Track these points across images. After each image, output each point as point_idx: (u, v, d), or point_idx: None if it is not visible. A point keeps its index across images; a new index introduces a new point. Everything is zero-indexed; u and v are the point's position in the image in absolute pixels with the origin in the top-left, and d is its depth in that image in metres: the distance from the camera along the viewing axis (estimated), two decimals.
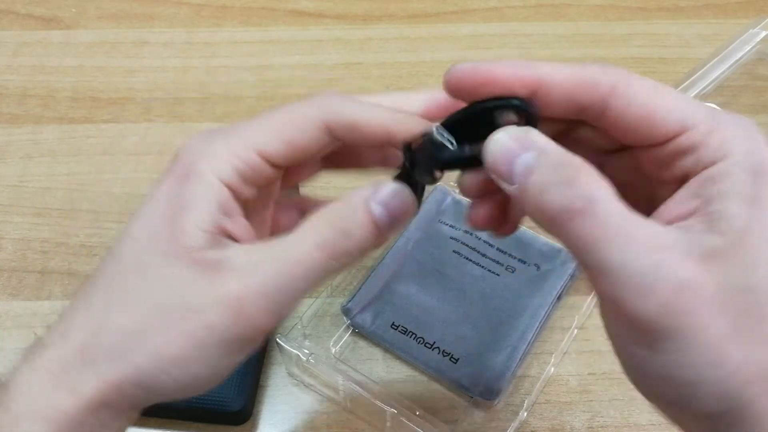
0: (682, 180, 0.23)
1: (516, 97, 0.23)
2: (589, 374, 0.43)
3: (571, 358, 0.44)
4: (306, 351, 0.40)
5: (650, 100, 0.23)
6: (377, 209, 0.25)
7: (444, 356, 0.42)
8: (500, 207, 0.27)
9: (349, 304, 0.44)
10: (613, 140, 0.25)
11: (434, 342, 0.42)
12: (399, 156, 0.26)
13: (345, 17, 0.66)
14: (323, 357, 0.42)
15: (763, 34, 0.57)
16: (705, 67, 0.54)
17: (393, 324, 0.43)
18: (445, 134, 0.24)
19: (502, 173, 0.23)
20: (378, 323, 0.43)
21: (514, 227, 0.28)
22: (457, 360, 0.42)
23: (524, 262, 0.46)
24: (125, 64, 0.62)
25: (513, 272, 0.46)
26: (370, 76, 0.61)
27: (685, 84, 0.53)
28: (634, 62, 0.61)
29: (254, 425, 0.41)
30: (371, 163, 0.30)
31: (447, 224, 0.48)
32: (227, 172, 0.25)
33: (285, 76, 0.61)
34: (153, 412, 0.39)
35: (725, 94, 0.56)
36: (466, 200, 0.49)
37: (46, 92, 0.59)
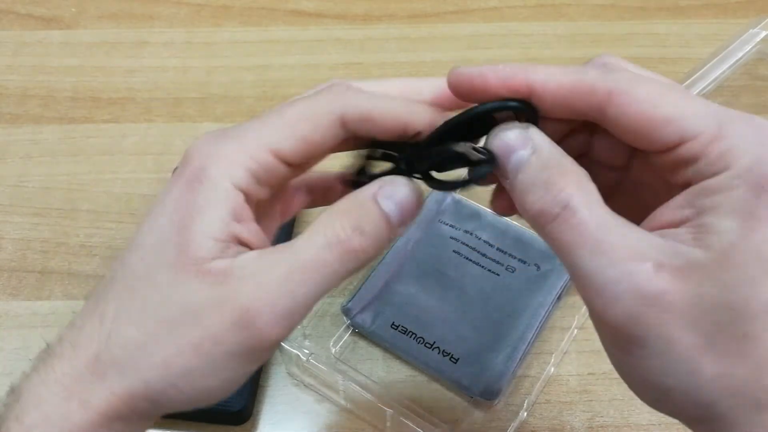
0: (686, 186, 0.22)
1: (514, 99, 0.23)
2: (589, 374, 0.43)
3: (571, 358, 0.44)
4: (306, 351, 0.40)
5: (648, 109, 0.22)
6: (387, 204, 0.24)
7: (444, 356, 0.42)
8: None
9: (349, 304, 0.44)
10: None
11: (434, 342, 0.42)
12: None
13: (345, 17, 0.66)
14: (323, 357, 0.42)
15: (763, 34, 0.57)
16: (705, 67, 0.54)
17: (393, 324, 0.43)
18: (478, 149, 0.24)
19: (499, 167, 0.24)
20: (378, 323, 0.43)
21: None
22: (457, 360, 0.42)
23: (524, 262, 0.46)
24: (125, 64, 0.62)
25: (513, 272, 0.46)
26: (370, 76, 0.61)
27: (685, 84, 0.53)
28: (634, 62, 0.61)
29: (254, 425, 0.41)
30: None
31: (447, 224, 0.48)
32: (240, 175, 0.24)
33: (285, 76, 0.61)
34: None
35: (725, 94, 0.56)
36: (466, 200, 0.49)
37: (46, 92, 0.59)
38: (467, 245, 0.47)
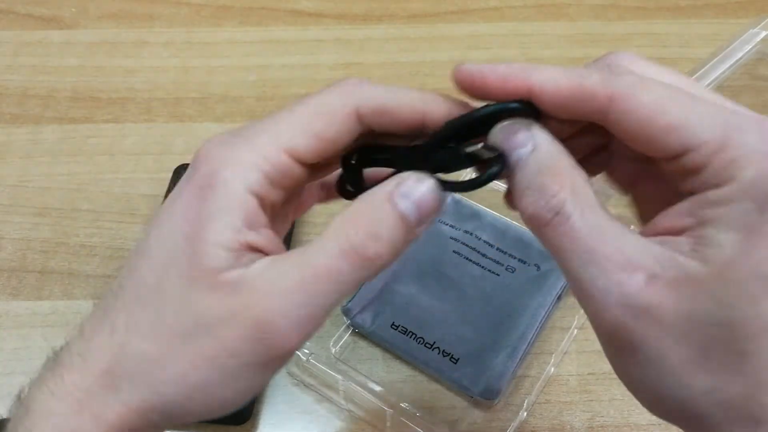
0: (692, 193, 0.21)
1: (516, 101, 0.23)
2: (589, 374, 0.43)
3: (571, 358, 0.44)
4: (306, 351, 0.40)
5: (650, 117, 0.21)
6: (404, 204, 0.23)
7: (444, 356, 0.42)
8: None
9: (349, 304, 0.44)
10: None
11: (434, 342, 0.42)
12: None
13: (345, 17, 0.66)
14: (323, 357, 0.42)
15: (763, 34, 0.57)
16: (705, 67, 0.54)
17: (393, 324, 0.43)
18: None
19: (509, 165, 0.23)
20: (378, 323, 0.43)
21: None
22: (457, 360, 0.42)
23: (524, 262, 0.46)
24: (125, 64, 0.62)
25: (513, 272, 0.46)
26: (370, 76, 0.61)
27: None
28: None
29: (254, 425, 0.41)
30: None
31: (447, 224, 0.48)
32: (254, 179, 0.23)
33: (285, 76, 0.61)
34: None
35: (725, 94, 0.55)
36: (466, 200, 0.49)
37: (46, 92, 0.59)
38: (467, 245, 0.47)
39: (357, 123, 0.24)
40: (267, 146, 0.23)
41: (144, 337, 0.23)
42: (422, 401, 0.42)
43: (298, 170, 0.24)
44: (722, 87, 0.55)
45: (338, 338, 0.44)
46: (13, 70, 0.61)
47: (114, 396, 0.23)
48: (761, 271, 0.19)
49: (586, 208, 0.21)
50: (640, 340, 0.20)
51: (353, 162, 0.26)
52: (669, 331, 0.20)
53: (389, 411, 0.38)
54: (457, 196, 0.49)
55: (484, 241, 0.47)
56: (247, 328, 0.22)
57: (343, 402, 0.41)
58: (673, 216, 0.21)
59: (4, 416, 0.26)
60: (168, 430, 0.24)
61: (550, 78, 0.22)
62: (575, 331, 0.44)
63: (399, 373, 0.43)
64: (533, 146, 0.22)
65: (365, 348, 0.44)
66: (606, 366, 0.46)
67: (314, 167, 0.25)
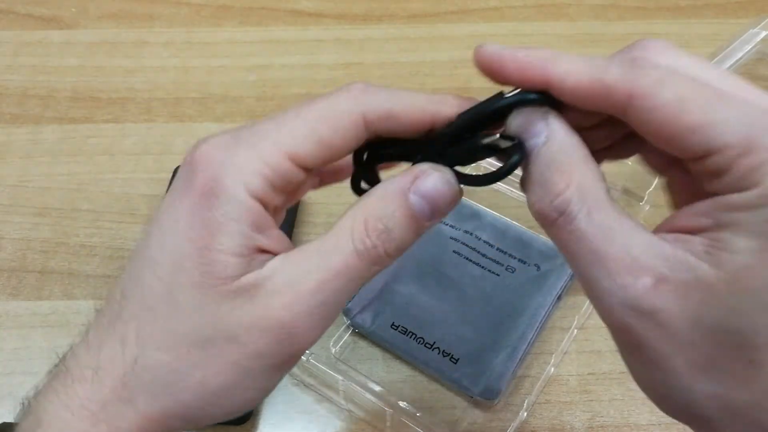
0: (715, 194, 0.20)
1: (534, 92, 0.22)
2: (589, 374, 0.43)
3: (571, 358, 0.44)
4: (306, 351, 0.40)
5: (671, 116, 0.20)
6: (417, 202, 0.23)
7: (444, 356, 0.42)
8: None
9: (349, 304, 0.44)
10: None
11: (434, 342, 0.42)
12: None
13: (345, 17, 0.66)
14: (323, 357, 0.42)
15: (763, 34, 0.57)
16: None
17: (393, 324, 0.43)
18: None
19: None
20: (378, 323, 0.43)
21: None
22: (457, 360, 0.42)
23: (524, 262, 0.46)
24: (125, 64, 0.62)
25: (513, 272, 0.46)
26: (370, 76, 0.61)
27: None
28: None
29: (254, 425, 0.41)
30: None
31: (447, 224, 0.48)
32: (257, 185, 0.22)
33: (285, 76, 0.61)
34: None
35: None
36: (466, 200, 0.49)
37: (46, 92, 0.59)
38: (467, 245, 0.47)
39: (363, 129, 0.24)
40: (269, 151, 0.23)
41: (158, 348, 0.23)
42: (422, 401, 0.42)
43: (300, 175, 0.23)
44: None
45: (338, 338, 0.44)
46: (13, 70, 0.61)
47: (131, 407, 0.23)
48: None
49: (594, 207, 0.21)
50: (645, 343, 0.20)
51: (365, 158, 0.26)
52: (674, 336, 0.19)
53: (389, 411, 0.38)
54: None
55: (484, 241, 0.47)
56: (271, 330, 0.22)
57: (343, 402, 0.41)
58: (692, 215, 0.21)
59: (6, 420, 0.26)
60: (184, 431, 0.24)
61: (570, 71, 0.21)
62: (575, 331, 0.44)
63: (399, 373, 0.43)
64: (546, 137, 0.22)
65: (365, 348, 0.44)
66: (606, 366, 0.46)
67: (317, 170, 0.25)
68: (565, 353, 0.44)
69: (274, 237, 0.23)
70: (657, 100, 0.20)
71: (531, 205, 0.22)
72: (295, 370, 0.42)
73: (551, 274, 0.45)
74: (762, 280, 0.18)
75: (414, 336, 0.43)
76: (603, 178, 0.22)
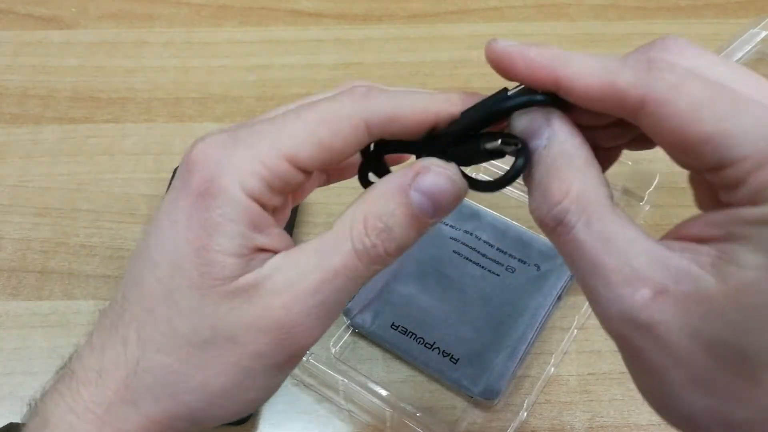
0: (729, 205, 0.20)
1: (540, 93, 0.22)
2: (589, 374, 0.43)
3: (571, 358, 0.44)
4: (307, 351, 0.40)
5: (684, 125, 0.19)
6: (419, 199, 0.22)
7: (444, 356, 0.42)
8: None
9: (349, 304, 0.44)
10: None
11: (434, 342, 0.42)
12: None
13: (345, 17, 0.66)
14: (323, 357, 0.42)
15: (763, 34, 0.57)
16: None
17: (393, 324, 0.43)
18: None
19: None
20: (378, 323, 0.43)
21: None
22: (457, 360, 0.42)
23: (524, 262, 0.46)
24: (125, 64, 0.62)
25: (513, 272, 0.46)
26: (370, 76, 0.61)
27: None
28: None
29: (254, 425, 0.41)
30: None
31: (447, 224, 0.48)
32: (255, 186, 0.22)
33: (285, 76, 0.61)
34: None
35: None
36: (466, 200, 0.49)
37: (46, 92, 0.59)
38: (467, 245, 0.47)
39: (365, 134, 0.23)
40: (267, 152, 0.22)
41: (159, 350, 0.23)
42: (422, 401, 0.42)
43: (299, 177, 0.23)
44: None
45: (338, 338, 0.44)
46: (13, 70, 0.61)
47: (134, 409, 0.23)
48: None
49: (593, 216, 0.20)
50: (643, 355, 0.20)
51: (372, 148, 0.25)
52: (672, 350, 0.19)
53: (389, 411, 0.38)
54: None
55: (484, 241, 0.47)
56: (271, 330, 0.22)
57: (343, 402, 0.41)
58: (703, 223, 0.20)
59: (8, 419, 0.26)
60: None
61: (580, 73, 0.21)
62: (575, 331, 0.44)
63: (399, 373, 0.43)
64: (547, 140, 0.21)
65: (365, 348, 0.44)
66: (606, 366, 0.46)
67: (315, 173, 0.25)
68: (565, 353, 0.44)
69: (274, 235, 0.23)
70: (671, 107, 0.19)
71: (531, 211, 0.22)
72: (295, 370, 0.42)
73: (551, 274, 0.45)
74: (767, 299, 0.18)
75: (414, 336, 0.43)
76: (605, 182, 0.21)
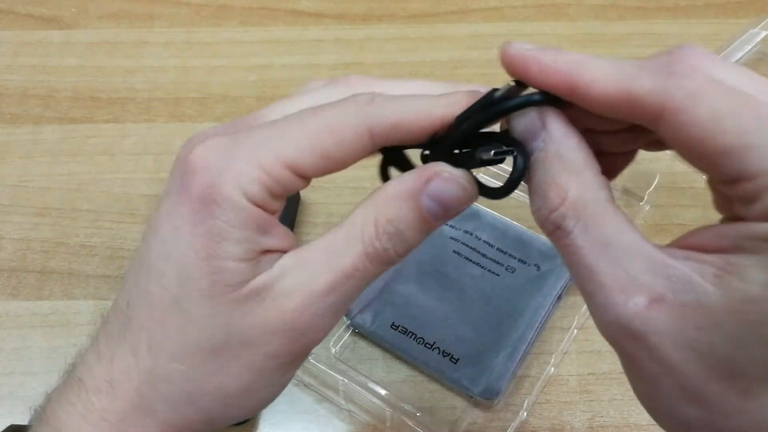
0: (741, 218, 0.19)
1: (536, 93, 0.22)
2: (589, 374, 0.43)
3: (571, 358, 0.44)
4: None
5: (705, 136, 0.18)
6: (429, 204, 0.22)
7: (444, 356, 0.42)
8: None
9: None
10: None
11: (434, 342, 0.42)
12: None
13: (345, 17, 0.66)
14: (323, 357, 0.42)
15: (763, 34, 0.57)
16: None
17: (393, 324, 0.43)
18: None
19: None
20: (378, 323, 0.43)
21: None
22: (457, 360, 0.42)
23: (524, 262, 0.46)
24: (125, 64, 0.62)
25: (513, 272, 0.46)
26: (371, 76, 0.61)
27: None
28: None
29: (254, 425, 0.41)
30: None
31: (447, 224, 0.48)
32: (256, 193, 0.22)
33: (285, 76, 0.61)
34: None
35: None
36: None
37: (46, 92, 0.59)
38: (467, 245, 0.47)
39: (369, 142, 0.23)
40: (268, 160, 0.22)
41: (173, 358, 0.23)
42: (422, 401, 0.42)
43: (299, 183, 0.23)
44: None
45: (338, 338, 0.44)
46: (13, 70, 0.61)
47: (151, 418, 0.23)
48: None
49: (591, 221, 0.20)
50: (636, 362, 0.20)
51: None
52: (665, 359, 0.19)
53: (389, 411, 0.38)
54: None
55: (484, 241, 0.47)
56: (285, 332, 0.22)
57: (343, 402, 0.41)
58: (713, 235, 0.20)
59: (10, 420, 0.26)
60: None
61: (597, 79, 0.20)
62: (575, 331, 0.44)
63: (399, 373, 0.43)
64: (543, 142, 0.21)
65: (365, 348, 0.44)
66: (606, 366, 0.46)
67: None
68: (565, 353, 0.44)
69: (279, 235, 0.23)
70: (691, 116, 0.18)
71: (532, 213, 0.22)
72: None
73: (551, 274, 0.45)
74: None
75: (414, 336, 0.43)
76: (604, 184, 0.21)
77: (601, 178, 0.21)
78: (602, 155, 0.22)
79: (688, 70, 0.19)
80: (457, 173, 0.23)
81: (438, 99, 0.23)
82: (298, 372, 0.42)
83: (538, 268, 0.46)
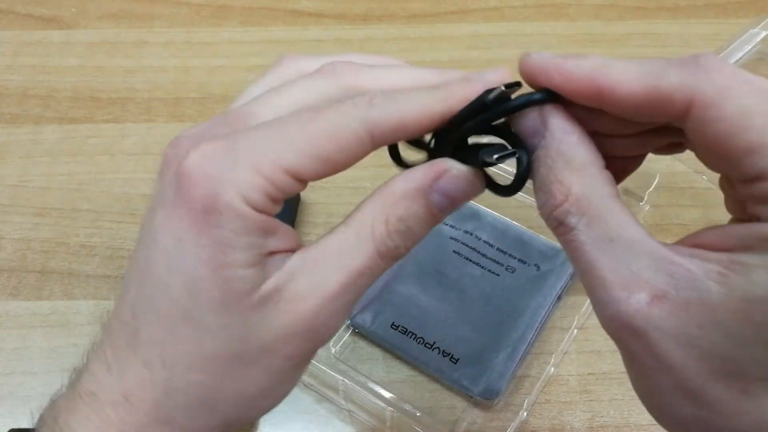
0: (756, 219, 0.19)
1: (537, 92, 0.22)
2: (589, 374, 0.43)
3: (571, 358, 0.44)
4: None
5: (729, 131, 0.18)
6: (441, 201, 0.23)
7: (444, 356, 0.42)
8: None
9: None
10: None
11: (434, 342, 0.42)
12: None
13: (345, 17, 0.66)
14: (323, 357, 0.42)
15: (763, 34, 0.57)
16: None
17: (393, 324, 0.43)
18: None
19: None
20: (378, 323, 0.43)
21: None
22: (457, 360, 0.42)
23: (524, 262, 0.46)
24: (125, 64, 0.62)
25: (513, 272, 0.46)
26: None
27: None
28: None
29: (254, 425, 0.41)
30: None
31: (447, 224, 0.48)
32: (256, 199, 0.21)
33: None
34: None
35: None
36: None
37: (46, 92, 0.59)
38: (467, 245, 0.47)
39: (369, 144, 0.23)
40: (268, 166, 0.21)
41: (190, 369, 0.22)
42: (422, 401, 0.42)
43: (298, 187, 0.23)
44: None
45: (338, 338, 0.44)
46: (13, 70, 0.61)
47: (169, 428, 0.23)
48: None
49: (594, 218, 0.20)
50: (636, 358, 0.20)
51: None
52: (665, 357, 0.19)
53: (389, 411, 0.38)
54: None
55: (484, 241, 0.47)
56: (300, 333, 0.22)
57: (343, 402, 0.41)
58: (723, 233, 0.19)
59: (9, 420, 0.26)
60: None
61: (622, 80, 0.20)
62: (575, 331, 0.44)
63: (399, 373, 0.43)
64: (544, 140, 0.21)
65: (365, 348, 0.44)
66: (606, 366, 0.46)
67: None
68: (565, 353, 0.44)
69: (282, 235, 0.23)
70: (719, 110, 0.18)
71: (537, 208, 0.22)
72: None
73: (551, 274, 0.45)
74: None
75: (414, 336, 0.43)
76: (609, 180, 0.21)
77: (606, 174, 0.21)
78: (611, 158, 0.22)
79: (718, 67, 0.19)
80: (465, 169, 0.23)
81: (434, 94, 0.23)
82: None
83: (538, 268, 0.46)
